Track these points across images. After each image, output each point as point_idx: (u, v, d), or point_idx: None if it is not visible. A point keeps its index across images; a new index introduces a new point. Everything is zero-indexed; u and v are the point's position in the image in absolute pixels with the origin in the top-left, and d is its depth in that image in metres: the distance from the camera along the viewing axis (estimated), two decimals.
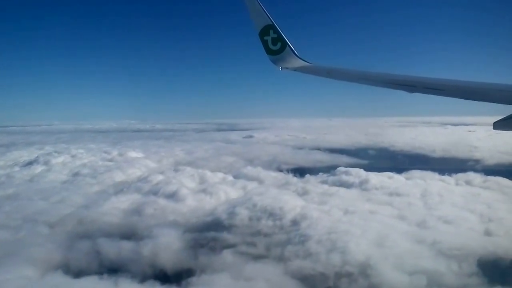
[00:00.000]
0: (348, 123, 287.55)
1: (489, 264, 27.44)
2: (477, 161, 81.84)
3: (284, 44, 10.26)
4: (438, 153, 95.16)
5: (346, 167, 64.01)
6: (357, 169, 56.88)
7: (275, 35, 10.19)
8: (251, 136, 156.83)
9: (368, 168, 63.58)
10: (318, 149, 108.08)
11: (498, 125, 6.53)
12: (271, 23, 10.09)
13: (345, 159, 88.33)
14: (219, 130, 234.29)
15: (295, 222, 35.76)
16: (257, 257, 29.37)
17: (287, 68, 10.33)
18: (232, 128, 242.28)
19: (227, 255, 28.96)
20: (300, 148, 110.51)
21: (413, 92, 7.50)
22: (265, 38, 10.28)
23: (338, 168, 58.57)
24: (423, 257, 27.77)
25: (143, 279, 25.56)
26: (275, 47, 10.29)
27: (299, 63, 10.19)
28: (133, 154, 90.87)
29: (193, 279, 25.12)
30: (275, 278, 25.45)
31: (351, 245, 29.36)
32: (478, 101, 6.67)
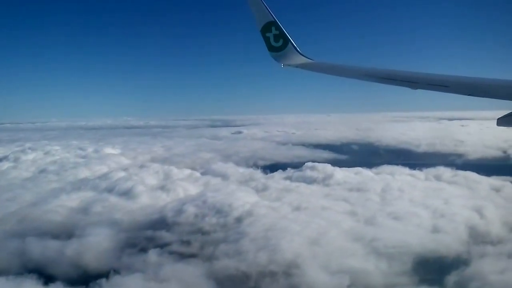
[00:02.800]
0: (345, 119, 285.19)
1: (425, 262, 26.00)
2: (459, 155, 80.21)
3: (286, 41, 10.09)
4: (422, 148, 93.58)
5: (324, 162, 63.09)
6: (324, 165, 55.35)
7: (277, 32, 10.00)
8: (240, 132, 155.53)
9: (342, 163, 62.30)
10: (303, 144, 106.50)
11: (502, 121, 6.33)
12: (273, 19, 9.87)
13: (324, 154, 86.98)
14: (212, 126, 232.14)
15: (238, 220, 34.40)
16: (186, 257, 28.03)
17: (289, 65, 10.14)
18: (226, 124, 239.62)
19: (153, 255, 27.52)
20: (284, 144, 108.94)
21: (416, 89, 7.36)
22: (267, 35, 10.09)
23: (306, 164, 56.93)
24: (355, 255, 26.33)
25: (52, 280, 24.16)
26: (277, 44, 10.13)
27: (301, 59, 10.05)
28: (109, 150, 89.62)
29: (103, 281, 23.64)
30: (192, 278, 24.04)
31: (284, 243, 27.93)
32: (482, 97, 6.50)
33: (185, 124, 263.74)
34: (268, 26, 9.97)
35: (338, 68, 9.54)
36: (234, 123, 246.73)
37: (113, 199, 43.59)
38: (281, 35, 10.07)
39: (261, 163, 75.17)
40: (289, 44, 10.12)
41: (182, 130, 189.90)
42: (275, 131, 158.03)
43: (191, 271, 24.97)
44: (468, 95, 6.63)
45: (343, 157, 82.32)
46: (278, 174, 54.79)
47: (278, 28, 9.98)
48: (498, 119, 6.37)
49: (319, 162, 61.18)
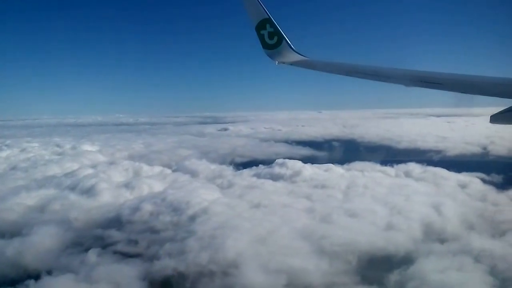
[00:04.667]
0: (335, 116, 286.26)
1: (370, 260, 25.40)
2: (437, 151, 79.94)
3: (281, 38, 10.12)
4: (402, 144, 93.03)
5: (301, 159, 63.27)
6: (294, 161, 54.65)
7: (272, 29, 10.02)
8: (226, 129, 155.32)
9: (319, 160, 62.11)
10: (286, 141, 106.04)
11: (495, 119, 6.33)
12: (268, 17, 9.88)
13: (304, 151, 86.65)
14: (202, 123, 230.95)
15: (192, 218, 33.61)
16: (128, 256, 27.24)
17: (283, 62, 10.21)
18: (216, 121, 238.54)
19: (92, 255, 26.64)
20: (267, 141, 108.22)
21: (410, 86, 7.44)
22: (262, 32, 10.10)
23: (276, 160, 56.28)
24: (298, 254, 25.64)
25: None
26: (271, 41, 10.14)
27: (295, 57, 10.10)
28: (87, 147, 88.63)
29: (31, 282, 22.80)
30: (125, 279, 23.26)
31: (230, 242, 27.20)
32: (476, 94, 6.58)
33: (175, 121, 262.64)
34: (263, 24, 9.93)
35: (332, 66, 9.62)
36: (224, 120, 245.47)
37: (73, 197, 42.60)
38: (275, 33, 10.04)
39: (238, 160, 74.67)
40: (284, 41, 10.09)
41: (170, 127, 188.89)
42: (261, 128, 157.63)
43: (127, 272, 24.17)
44: (461, 92, 6.68)
45: (321, 153, 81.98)
46: (248, 171, 54.13)
47: (272, 25, 9.95)
48: (492, 116, 6.33)
49: (296, 159, 60.82)
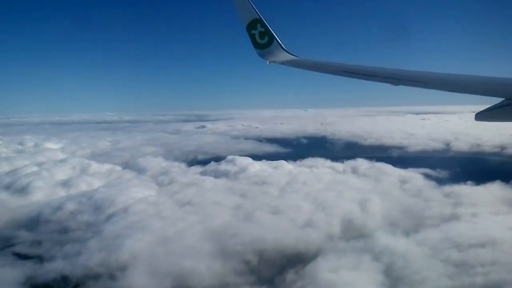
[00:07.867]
0: (319, 114, 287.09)
1: (272, 259, 24.47)
2: (399, 148, 79.67)
3: (272, 38, 10.22)
4: (368, 141, 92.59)
5: (263, 155, 63.46)
6: (243, 158, 53.69)
7: (263, 29, 10.10)
8: (203, 127, 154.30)
9: (278, 157, 61.13)
10: (257, 139, 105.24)
11: (480, 116, 6.42)
12: (259, 17, 9.95)
13: (269, 148, 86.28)
14: (185, 121, 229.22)
15: (109, 217, 32.39)
16: (24, 258, 25.98)
17: (274, 62, 10.32)
18: (200, 119, 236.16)
19: None
20: (237, 138, 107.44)
21: (397, 85, 7.56)
22: (253, 32, 10.18)
23: (228, 157, 55.26)
24: (197, 255, 24.53)
25: None
26: (262, 41, 10.23)
27: (286, 56, 10.23)
28: (50, 145, 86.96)
29: None
30: (4, 283, 22.02)
31: (131, 242, 26.04)
32: (460, 93, 6.71)
33: (159, 119, 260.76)
34: (254, 24, 10.01)
35: (322, 65, 9.73)
36: (209, 118, 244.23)
37: (3, 195, 41.27)
38: (266, 33, 10.13)
39: (200, 157, 73.61)
40: (275, 41, 10.19)
41: (150, 125, 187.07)
42: (239, 125, 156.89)
43: (10, 275, 22.95)
44: (447, 91, 6.85)
45: (285, 150, 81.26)
46: (197, 168, 53.08)
47: (263, 25, 10.02)
48: (477, 114, 6.41)
49: (259, 155, 60.47)
